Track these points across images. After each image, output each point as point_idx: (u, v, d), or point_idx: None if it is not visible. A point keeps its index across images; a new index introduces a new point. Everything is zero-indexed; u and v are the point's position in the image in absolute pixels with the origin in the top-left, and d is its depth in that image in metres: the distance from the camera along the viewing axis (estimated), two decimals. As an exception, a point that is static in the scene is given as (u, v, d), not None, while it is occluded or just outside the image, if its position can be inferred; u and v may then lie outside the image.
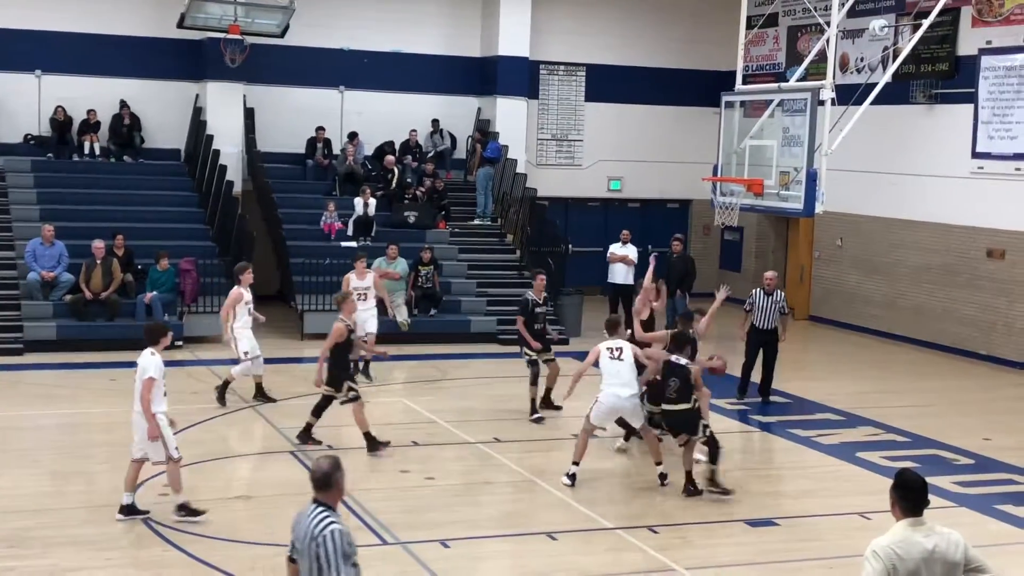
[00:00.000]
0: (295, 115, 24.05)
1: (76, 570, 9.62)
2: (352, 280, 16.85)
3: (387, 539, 10.55)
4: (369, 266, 18.17)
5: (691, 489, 11.86)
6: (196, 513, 10.75)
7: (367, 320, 16.74)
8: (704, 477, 11.94)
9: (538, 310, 15.28)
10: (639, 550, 10.54)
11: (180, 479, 10.77)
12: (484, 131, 24.60)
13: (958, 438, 14.90)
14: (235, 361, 15.44)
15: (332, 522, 6.05)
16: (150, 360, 10.71)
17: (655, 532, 11.00)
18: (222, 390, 15.23)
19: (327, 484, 6.16)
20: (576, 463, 12.30)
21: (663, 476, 12.19)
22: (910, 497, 5.90)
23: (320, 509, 6.10)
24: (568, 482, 12.18)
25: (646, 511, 11.70)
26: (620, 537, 10.86)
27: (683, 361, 11.92)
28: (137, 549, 10.13)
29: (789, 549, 10.79)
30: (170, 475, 10.77)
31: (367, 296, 16.84)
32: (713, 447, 11.90)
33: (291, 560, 6.26)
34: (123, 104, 22.99)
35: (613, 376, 12.24)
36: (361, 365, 16.71)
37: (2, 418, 14.49)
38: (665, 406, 12.02)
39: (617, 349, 12.38)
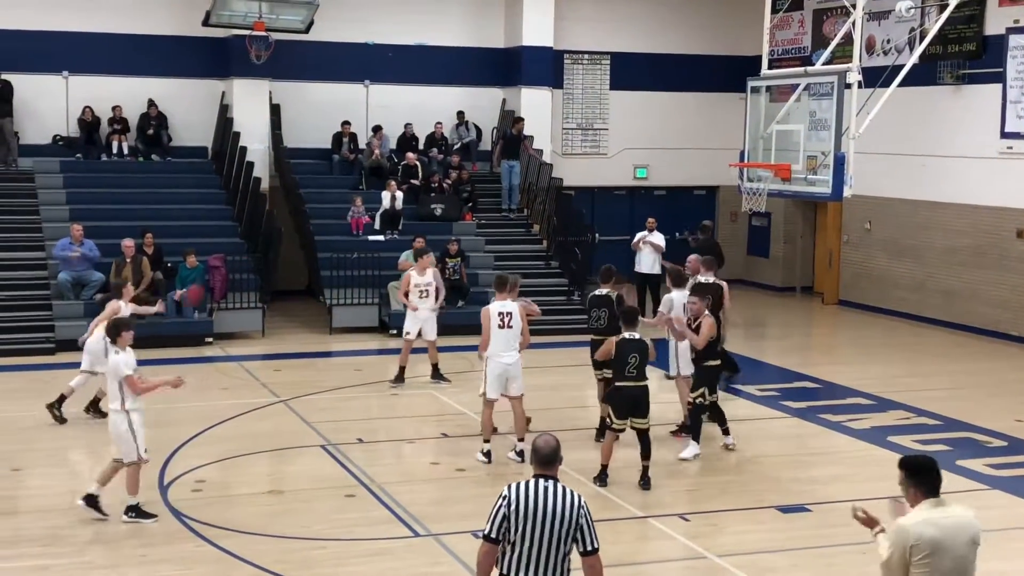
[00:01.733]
0: (320, 110, 24.06)
1: (110, 567, 9.67)
2: (413, 277, 16.40)
3: (418, 531, 10.54)
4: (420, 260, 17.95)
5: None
6: (147, 516, 10.65)
7: (427, 323, 16.22)
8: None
9: None
10: (670, 538, 10.50)
11: (138, 482, 10.66)
12: (518, 118, 24.38)
13: (990, 420, 14.76)
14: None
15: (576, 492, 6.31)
16: (116, 359, 10.60)
17: (686, 519, 10.95)
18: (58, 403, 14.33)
19: (554, 460, 6.40)
20: (487, 440, 12.60)
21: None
22: (926, 480, 6.02)
23: (555, 483, 6.29)
24: (483, 459, 12.51)
25: (676, 498, 11.64)
26: (650, 525, 10.82)
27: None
28: (169, 545, 10.16)
29: (821, 535, 10.71)
30: (130, 476, 10.63)
31: (428, 293, 16.32)
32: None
33: (494, 541, 6.26)
34: (150, 103, 23.07)
35: (501, 343, 12.39)
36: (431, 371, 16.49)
37: (35, 417, 14.57)
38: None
39: (507, 314, 12.48)
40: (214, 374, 16.99)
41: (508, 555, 6.24)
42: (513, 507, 6.20)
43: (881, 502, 11.34)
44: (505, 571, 6.26)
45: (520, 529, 6.17)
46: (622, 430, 11.83)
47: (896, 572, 5.93)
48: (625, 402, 11.70)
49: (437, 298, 16.50)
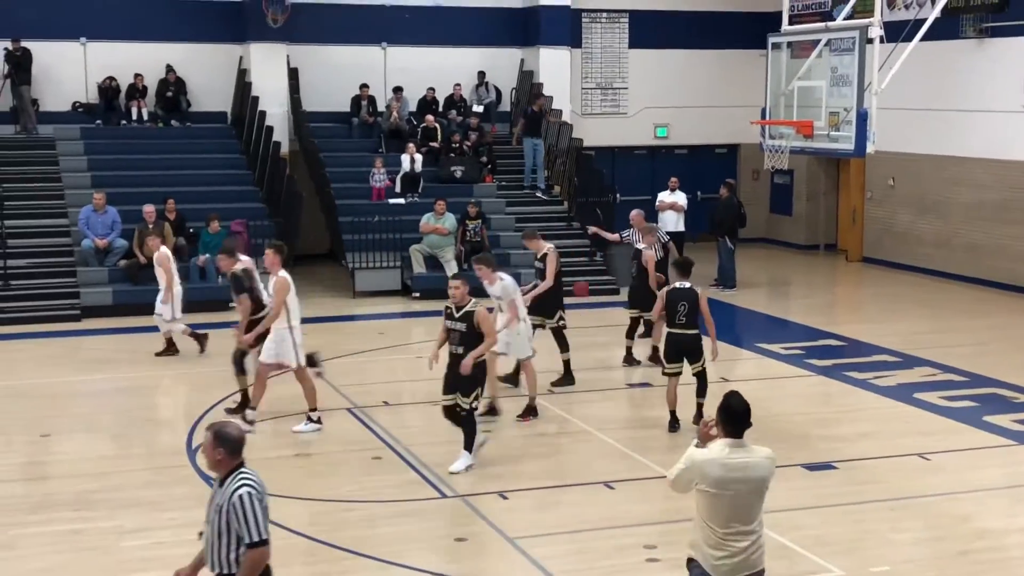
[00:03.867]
0: (338, 73, 23.99)
1: (140, 531, 9.77)
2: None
3: (446, 492, 10.61)
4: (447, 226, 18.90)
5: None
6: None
7: (514, 343, 13.05)
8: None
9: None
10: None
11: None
12: (538, 94, 24.18)
13: (1016, 376, 14.72)
14: None
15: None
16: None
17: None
18: None
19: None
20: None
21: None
22: (732, 421, 6.46)
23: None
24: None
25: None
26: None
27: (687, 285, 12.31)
28: (199, 509, 10.18)
29: (849, 492, 10.74)
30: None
31: (503, 309, 12.97)
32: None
33: None
34: (169, 69, 23.06)
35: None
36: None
37: (62, 383, 14.72)
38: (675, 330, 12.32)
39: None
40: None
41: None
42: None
43: (910, 459, 11.45)
44: None
45: None
46: (676, 373, 12.29)
47: (680, 491, 6.58)
48: (675, 348, 12.27)
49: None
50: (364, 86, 23.77)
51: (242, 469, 6.18)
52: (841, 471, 11.26)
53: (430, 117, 23.36)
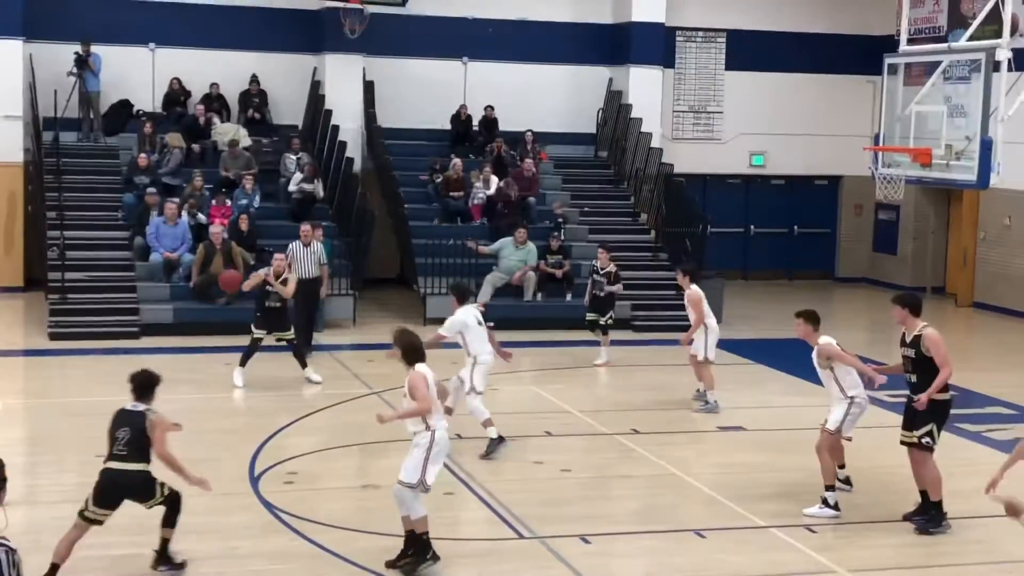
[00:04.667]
0: (416, 88, 24.17)
1: (203, 559, 9.77)
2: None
3: (524, 533, 10.52)
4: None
5: None
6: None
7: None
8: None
9: (596, 278, 17.94)
10: (796, 550, 10.34)
11: None
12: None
13: None
14: None
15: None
16: None
17: (813, 532, 10.77)
18: None
19: None
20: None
21: None
22: None
23: None
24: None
25: (801, 509, 11.44)
26: (775, 536, 10.66)
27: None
28: (263, 538, 10.26)
29: (960, 552, 10.49)
30: None
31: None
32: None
33: None
34: (253, 79, 23.39)
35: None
36: None
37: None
38: None
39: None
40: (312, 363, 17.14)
41: None
42: None
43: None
44: None
45: None
46: None
47: None
48: None
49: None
50: (463, 105, 23.98)
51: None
52: (953, 528, 10.98)
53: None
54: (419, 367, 9.59)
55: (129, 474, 9.11)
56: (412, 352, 9.66)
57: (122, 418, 9.35)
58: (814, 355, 11.28)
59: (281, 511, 10.83)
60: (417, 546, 9.46)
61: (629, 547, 10.44)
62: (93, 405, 14.69)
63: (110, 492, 9.15)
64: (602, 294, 17.84)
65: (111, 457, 9.20)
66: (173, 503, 9.34)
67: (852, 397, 11.21)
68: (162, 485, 9.27)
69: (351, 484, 11.99)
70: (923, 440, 10.79)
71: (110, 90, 22.85)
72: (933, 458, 10.85)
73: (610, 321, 17.99)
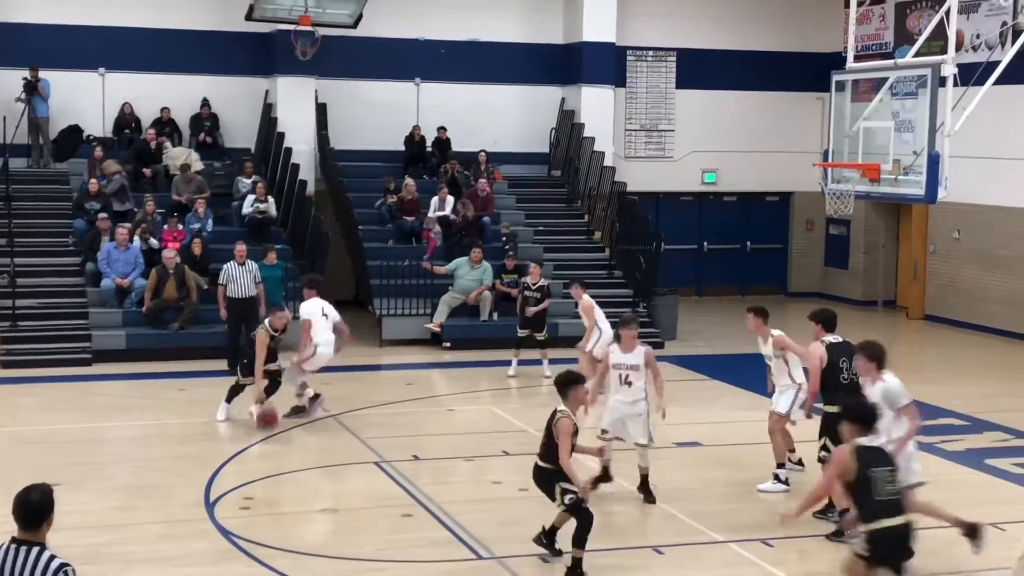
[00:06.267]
0: (369, 110, 24.14)
1: (155, 587, 9.68)
2: (614, 354, 12.13)
3: (482, 554, 10.47)
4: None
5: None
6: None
7: (631, 422, 12.04)
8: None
9: (528, 293, 18.32)
10: (754, 565, 10.35)
11: None
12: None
13: (1098, 443, 14.48)
14: None
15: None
16: None
17: (770, 546, 10.79)
18: None
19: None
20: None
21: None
22: None
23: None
24: None
25: (759, 523, 11.47)
26: (733, 551, 10.68)
27: None
28: (219, 565, 10.16)
29: (918, 562, 10.48)
30: None
31: (631, 381, 11.90)
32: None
33: None
34: (204, 103, 23.27)
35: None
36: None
37: (73, 431, 14.69)
38: None
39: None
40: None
41: None
42: None
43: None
44: None
45: None
46: None
47: None
48: None
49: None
50: (416, 126, 23.98)
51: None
52: (909, 540, 11.02)
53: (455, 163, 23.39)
54: None
55: None
56: None
57: None
58: (767, 347, 12.26)
59: (238, 537, 10.72)
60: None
61: (587, 565, 10.37)
62: (45, 434, 14.59)
63: None
64: (535, 310, 18.11)
65: None
66: None
67: (800, 384, 12.15)
68: None
69: (309, 508, 11.89)
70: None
71: (59, 115, 22.66)
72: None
73: (546, 336, 18.32)
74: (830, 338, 11.63)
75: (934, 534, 11.09)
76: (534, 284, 18.39)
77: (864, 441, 8.52)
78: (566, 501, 9.77)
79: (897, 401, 10.14)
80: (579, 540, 9.75)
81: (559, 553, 10.19)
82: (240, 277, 17.80)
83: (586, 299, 16.52)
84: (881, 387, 10.12)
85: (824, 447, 11.31)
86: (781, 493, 12.18)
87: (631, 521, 11.69)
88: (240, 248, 18.09)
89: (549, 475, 9.88)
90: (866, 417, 8.67)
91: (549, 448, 9.84)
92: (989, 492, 12.73)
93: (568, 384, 9.91)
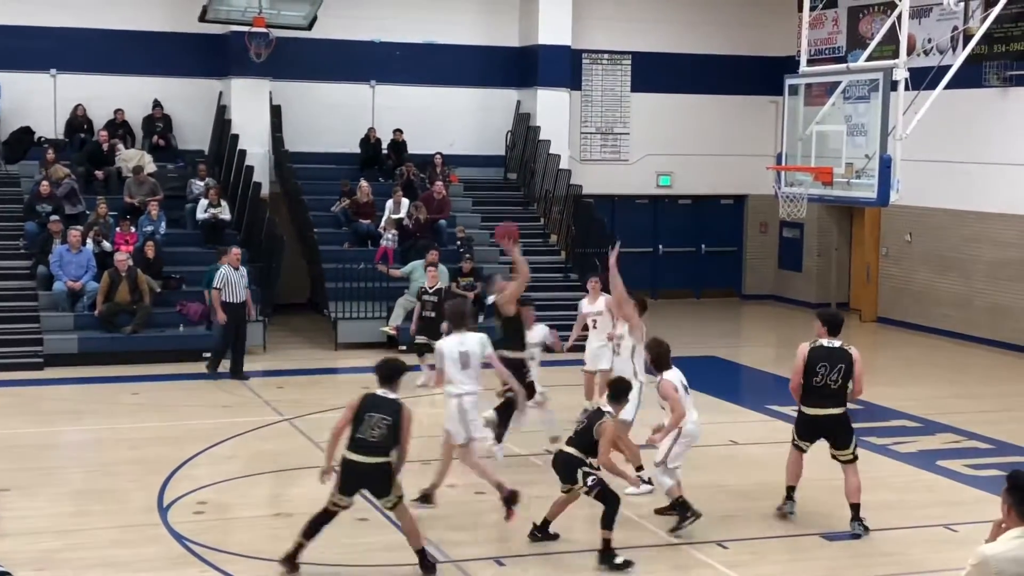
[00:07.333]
0: (324, 112, 24.07)
1: (108, 593, 9.61)
2: (583, 306, 15.31)
3: (438, 557, 10.45)
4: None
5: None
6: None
7: (599, 355, 14.56)
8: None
9: (425, 298, 17.61)
10: (709, 567, 10.41)
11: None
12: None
13: (1046, 444, 14.66)
14: None
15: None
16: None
17: (724, 547, 10.86)
18: None
19: None
20: None
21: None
22: None
23: None
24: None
25: (715, 525, 11.53)
26: (687, 553, 10.73)
27: None
28: (173, 570, 10.09)
29: (870, 564, 10.63)
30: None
31: (597, 324, 14.84)
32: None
33: None
34: (156, 104, 23.09)
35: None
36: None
37: (25, 435, 14.55)
38: None
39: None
40: (214, 391, 16.94)
41: None
42: None
43: (934, 530, 11.34)
44: None
45: None
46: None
47: None
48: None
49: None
50: (371, 128, 23.93)
51: None
52: (862, 541, 11.13)
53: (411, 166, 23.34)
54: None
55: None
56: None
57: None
58: (630, 332, 13.19)
59: (191, 541, 10.66)
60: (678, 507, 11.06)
61: (543, 568, 10.42)
62: (-5, 438, 14.43)
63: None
64: (432, 315, 17.01)
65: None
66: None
67: (642, 383, 12.84)
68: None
69: (262, 513, 11.85)
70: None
71: (10, 117, 22.47)
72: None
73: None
74: (824, 341, 11.34)
75: (897, 535, 11.23)
76: (431, 288, 17.65)
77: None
78: (588, 482, 10.32)
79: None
80: (608, 522, 10.24)
81: (556, 536, 10.85)
82: (235, 282, 17.58)
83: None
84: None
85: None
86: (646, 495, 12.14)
87: (583, 523, 11.68)
88: (235, 252, 17.82)
89: (573, 460, 10.48)
90: None
91: (583, 439, 10.44)
92: (941, 493, 12.87)
93: (623, 393, 11.11)
